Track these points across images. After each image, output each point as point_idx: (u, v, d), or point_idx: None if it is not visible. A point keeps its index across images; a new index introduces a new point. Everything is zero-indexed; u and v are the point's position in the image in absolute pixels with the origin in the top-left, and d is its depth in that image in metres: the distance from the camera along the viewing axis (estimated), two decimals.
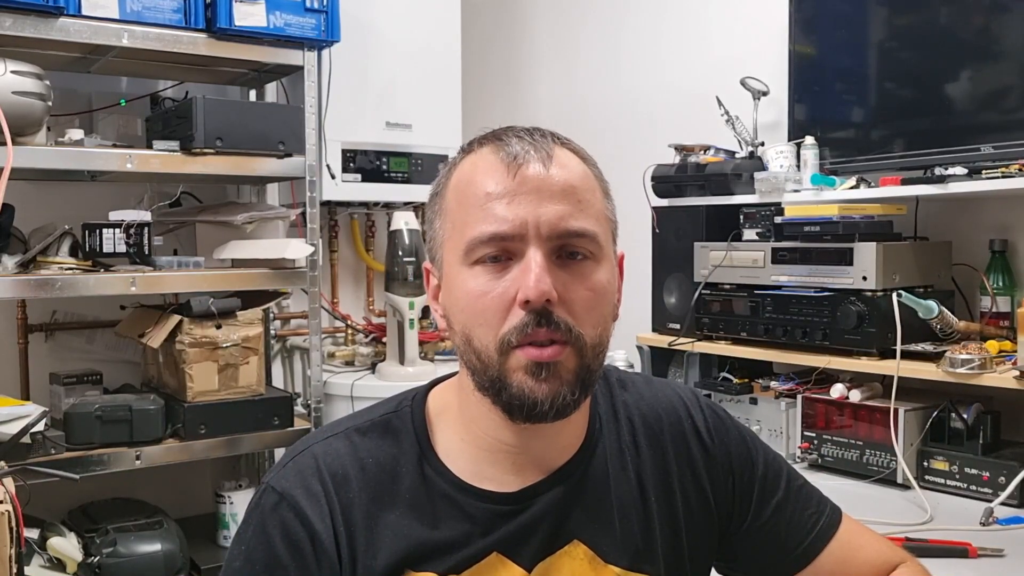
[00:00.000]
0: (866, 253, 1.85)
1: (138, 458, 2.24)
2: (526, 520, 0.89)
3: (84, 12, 2.16)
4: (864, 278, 1.85)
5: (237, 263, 2.47)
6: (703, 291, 2.17)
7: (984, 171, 1.74)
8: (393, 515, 0.88)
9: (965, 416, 1.76)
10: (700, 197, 2.27)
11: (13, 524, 1.52)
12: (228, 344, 2.36)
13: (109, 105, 2.62)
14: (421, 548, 0.87)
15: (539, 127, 0.90)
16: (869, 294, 1.85)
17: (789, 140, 2.18)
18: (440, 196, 0.91)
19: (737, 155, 2.30)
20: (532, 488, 0.90)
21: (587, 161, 0.91)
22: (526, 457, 0.90)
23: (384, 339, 2.86)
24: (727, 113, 2.28)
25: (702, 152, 2.34)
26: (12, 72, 2.04)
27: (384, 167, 2.85)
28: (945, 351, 1.74)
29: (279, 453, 2.58)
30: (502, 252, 0.84)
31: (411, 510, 0.88)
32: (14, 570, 1.52)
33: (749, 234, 2.19)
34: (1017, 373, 1.64)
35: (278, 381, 2.98)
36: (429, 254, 0.93)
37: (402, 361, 2.72)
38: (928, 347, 1.81)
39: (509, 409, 0.85)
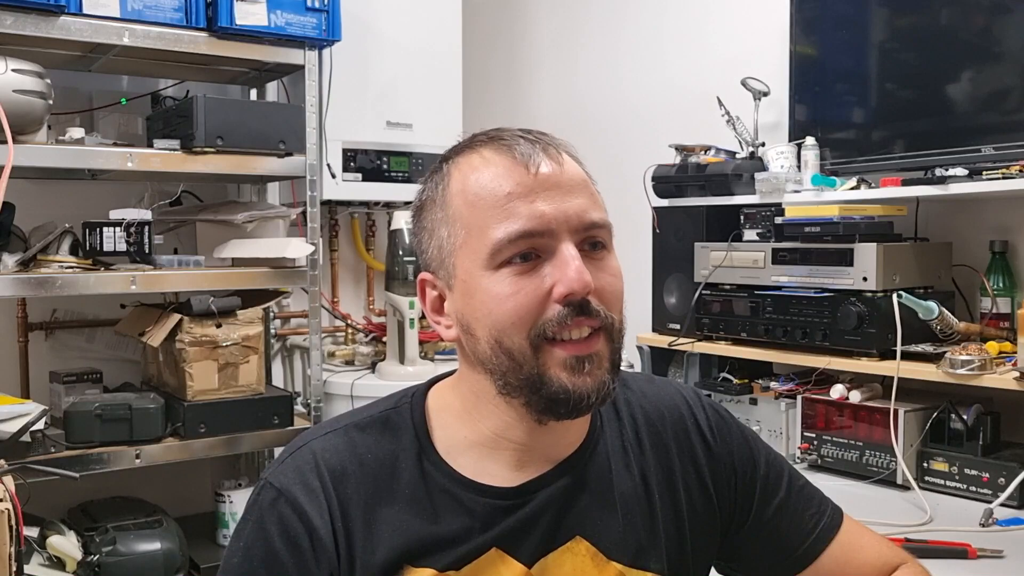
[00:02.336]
0: (866, 254, 1.85)
1: (138, 457, 2.24)
2: (526, 515, 0.89)
3: (85, 11, 2.16)
4: (864, 279, 1.85)
5: (237, 262, 2.46)
6: (703, 291, 2.17)
7: (985, 172, 1.74)
8: (392, 510, 0.88)
9: (965, 417, 1.76)
10: (700, 197, 2.27)
11: (13, 522, 1.52)
12: (228, 343, 2.35)
13: (110, 104, 2.62)
14: (420, 543, 0.87)
15: (528, 128, 0.90)
16: (869, 295, 1.85)
17: (790, 140, 2.18)
18: (442, 204, 0.88)
19: (738, 155, 2.30)
20: (533, 483, 0.90)
21: (580, 162, 0.91)
22: (530, 454, 0.90)
23: (384, 338, 2.86)
24: (728, 113, 2.27)
25: (703, 152, 2.34)
26: (13, 70, 2.04)
27: (385, 166, 2.85)
28: (945, 352, 1.74)
29: (279, 452, 2.57)
30: (531, 250, 0.83)
31: (410, 505, 0.88)
32: (14, 568, 1.52)
33: (749, 234, 2.19)
34: (1017, 374, 1.64)
35: (278, 380, 2.98)
36: (430, 265, 0.90)
37: (402, 360, 2.72)
38: (928, 348, 1.81)
39: (550, 405, 0.84)
